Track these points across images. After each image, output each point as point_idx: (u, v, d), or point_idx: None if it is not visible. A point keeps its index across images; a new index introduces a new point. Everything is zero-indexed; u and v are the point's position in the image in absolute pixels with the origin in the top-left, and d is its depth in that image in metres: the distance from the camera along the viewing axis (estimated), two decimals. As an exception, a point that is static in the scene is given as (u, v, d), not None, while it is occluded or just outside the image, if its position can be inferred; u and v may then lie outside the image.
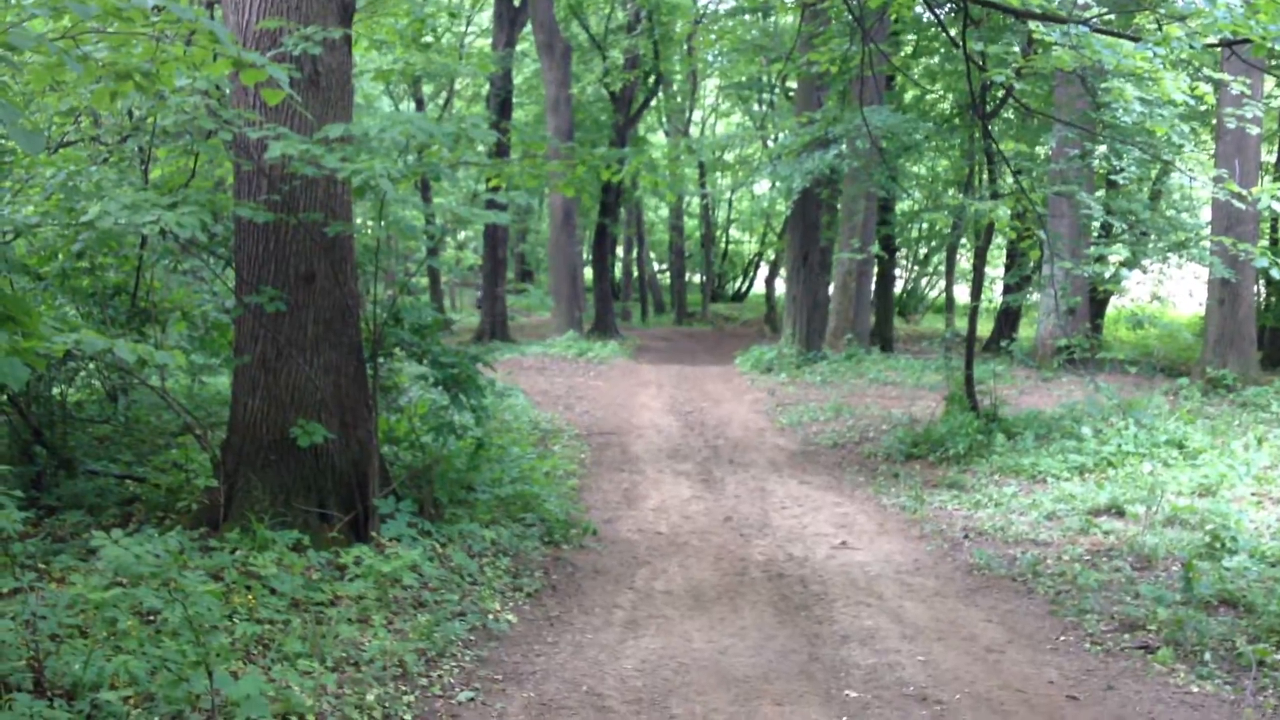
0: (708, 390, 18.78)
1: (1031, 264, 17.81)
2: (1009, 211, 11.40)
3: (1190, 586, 7.02)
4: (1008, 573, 8.10)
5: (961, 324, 25.95)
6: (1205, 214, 22.08)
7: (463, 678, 5.81)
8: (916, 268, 41.85)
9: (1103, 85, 9.87)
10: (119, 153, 8.34)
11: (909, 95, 24.73)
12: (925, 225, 34.13)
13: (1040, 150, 18.34)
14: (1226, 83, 9.30)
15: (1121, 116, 10.15)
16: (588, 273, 33.91)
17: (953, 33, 9.89)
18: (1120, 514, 9.63)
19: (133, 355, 4.58)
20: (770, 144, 35.49)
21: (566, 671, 6.01)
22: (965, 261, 33.55)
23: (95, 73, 4.31)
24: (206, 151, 7.52)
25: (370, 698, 5.31)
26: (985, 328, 27.25)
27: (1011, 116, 20.57)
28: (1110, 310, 26.58)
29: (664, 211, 45.89)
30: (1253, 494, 10.04)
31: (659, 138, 42.75)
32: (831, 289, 22.87)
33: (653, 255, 48.47)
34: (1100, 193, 15.60)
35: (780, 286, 41.38)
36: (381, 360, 8.23)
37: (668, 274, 46.88)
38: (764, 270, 45.72)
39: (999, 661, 6.20)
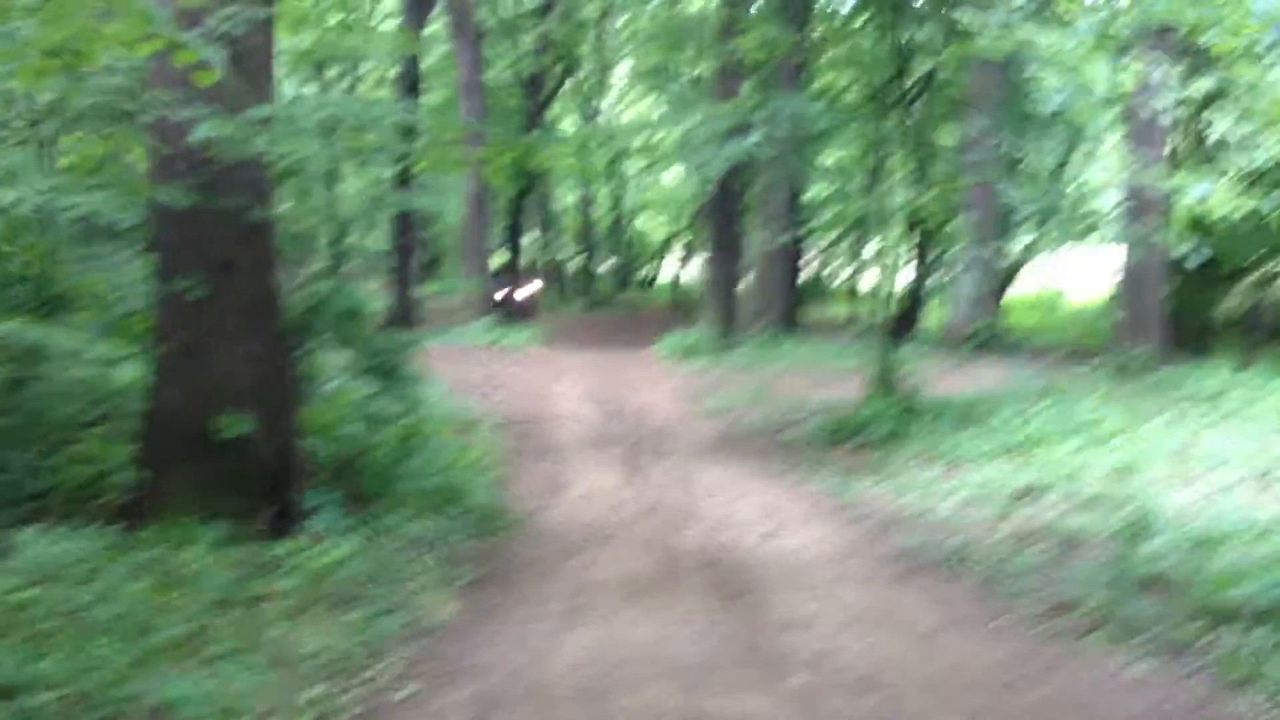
0: (627, 377, 18.73)
1: (944, 250, 18.10)
2: (932, 198, 11.51)
3: (1123, 569, 7.12)
4: (936, 557, 8.15)
5: (867, 310, 26.26)
6: (1105, 200, 22.59)
7: (403, 673, 5.69)
8: (822, 255, 42.19)
9: (1023, 76, 10.00)
10: (34, 136, 8.02)
11: (818, 84, 24.90)
12: (830, 213, 34.41)
13: (949, 140, 18.55)
14: (1147, 71, 9.47)
15: (1041, 105, 10.29)
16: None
17: (876, 21, 9.93)
18: (1040, 496, 9.76)
19: (41, 339, 4.41)
20: (683, 130, 35.41)
21: (508, 664, 5.91)
22: (868, 250, 33.87)
23: (21, 51, 4.12)
24: (123, 135, 7.26)
25: (309, 695, 5.18)
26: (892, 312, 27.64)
27: (919, 106, 20.88)
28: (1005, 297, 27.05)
29: (570, 198, 45.68)
30: (1169, 475, 10.24)
31: (568, 124, 42.52)
32: (750, 275, 22.96)
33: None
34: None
35: (689, 273, 41.60)
36: (304, 349, 8.03)
37: (574, 260, 46.72)
38: (673, 257, 45.80)
39: (938, 646, 6.23)
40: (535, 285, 31.84)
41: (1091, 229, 17.99)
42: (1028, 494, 9.83)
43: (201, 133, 6.42)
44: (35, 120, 7.94)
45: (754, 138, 17.16)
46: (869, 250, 33.90)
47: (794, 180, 22.97)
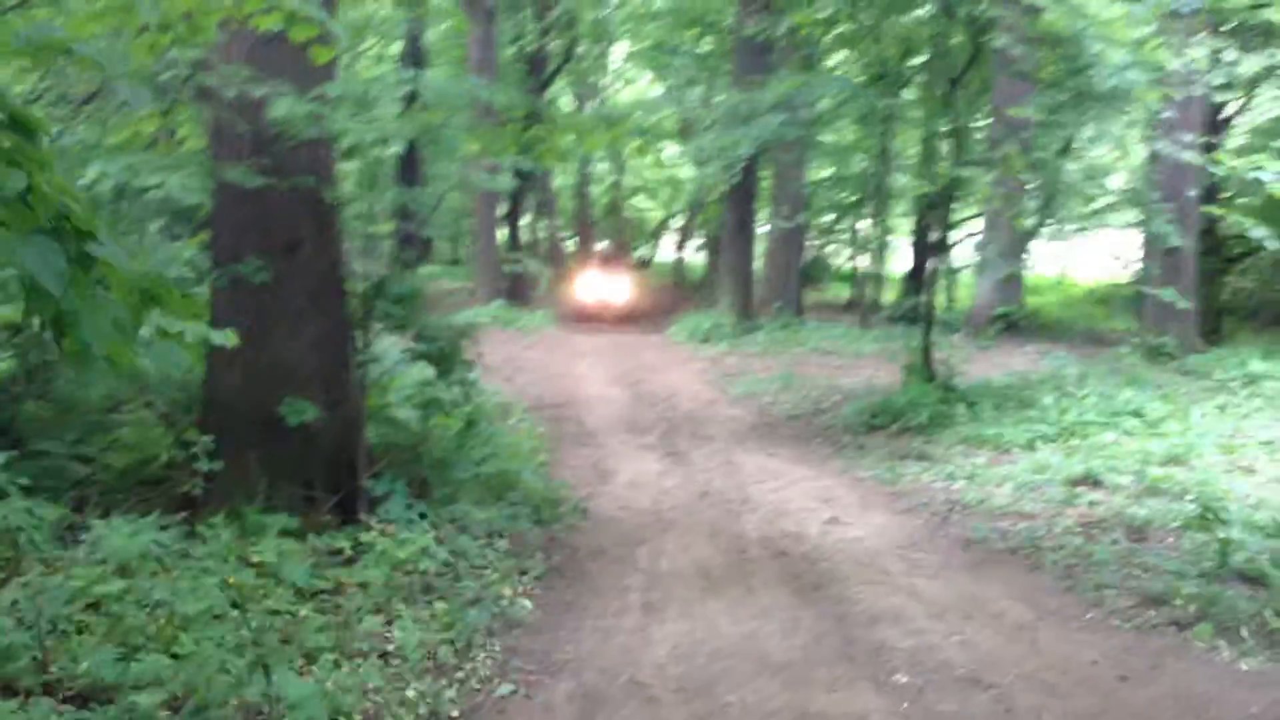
0: (646, 360, 18.57)
1: (949, 231, 17.82)
2: (991, 178, 11.33)
3: (1223, 561, 6.99)
4: (1006, 546, 8.03)
5: (870, 294, 26.14)
6: (1121, 181, 22.44)
7: (497, 669, 5.55)
8: (819, 238, 41.94)
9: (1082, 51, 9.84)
10: (98, 114, 7.81)
11: (830, 62, 24.64)
12: (837, 194, 34.14)
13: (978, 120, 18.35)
14: (1204, 50, 9.32)
15: (1098, 83, 10.12)
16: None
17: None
18: (1097, 484, 9.63)
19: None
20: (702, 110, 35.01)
21: (599, 660, 5.77)
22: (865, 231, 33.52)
23: (134, 23, 3.93)
24: (192, 111, 7.05)
25: (411, 693, 5.03)
26: (891, 295, 27.49)
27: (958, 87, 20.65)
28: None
29: (569, 179, 45.32)
30: (1223, 463, 10.13)
31: (563, 104, 42.14)
32: (761, 258, 22.80)
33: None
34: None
35: (688, 255, 41.39)
36: (367, 334, 7.84)
37: (571, 242, 46.37)
38: (671, 239, 45.54)
39: (1035, 641, 6.10)
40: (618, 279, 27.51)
41: (1110, 211, 17.82)
42: (1085, 481, 9.70)
43: (279, 111, 6.22)
44: (90, 95, 7.71)
45: (780, 117, 16.90)
46: (867, 231, 33.71)
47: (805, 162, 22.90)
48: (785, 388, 15.26)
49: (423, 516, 7.33)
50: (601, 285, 26.16)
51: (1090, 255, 33.45)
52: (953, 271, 13.84)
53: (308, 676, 4.90)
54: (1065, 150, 11.94)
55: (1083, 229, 26.60)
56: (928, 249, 27.14)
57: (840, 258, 41.34)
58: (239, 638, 5.16)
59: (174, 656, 4.88)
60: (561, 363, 18.11)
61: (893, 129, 24.83)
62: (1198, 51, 10.04)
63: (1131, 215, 19.23)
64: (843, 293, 33.15)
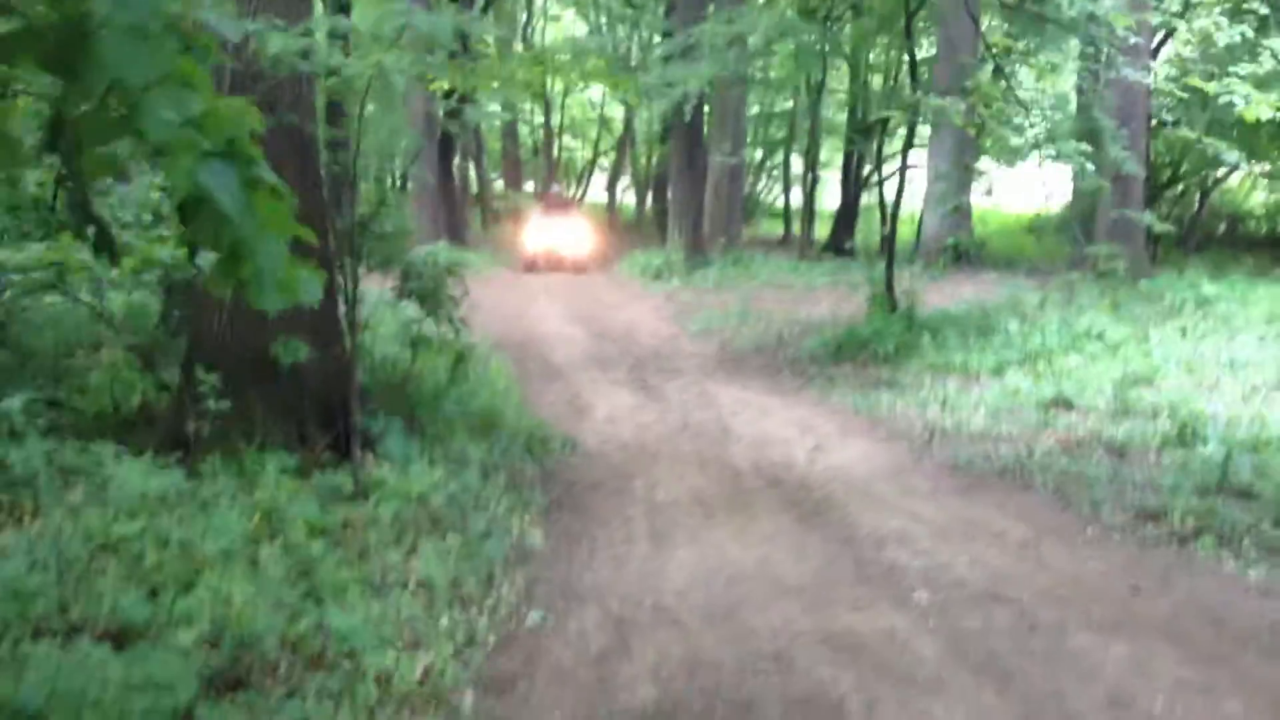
0: (601, 298, 18.53)
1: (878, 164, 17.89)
2: (965, 106, 11.38)
3: (1224, 476, 7.16)
4: (992, 469, 8.16)
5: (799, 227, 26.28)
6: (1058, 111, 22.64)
7: (522, 598, 5.55)
8: (755, 173, 41.93)
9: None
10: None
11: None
12: (762, 130, 34.06)
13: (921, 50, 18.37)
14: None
15: (1067, 9, 10.18)
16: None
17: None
18: (1069, 406, 9.82)
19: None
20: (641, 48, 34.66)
21: (619, 588, 5.79)
22: (797, 167, 33.55)
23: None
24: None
25: (445, 622, 5.02)
26: (823, 230, 27.65)
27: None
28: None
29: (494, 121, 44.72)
30: (1188, 383, 10.36)
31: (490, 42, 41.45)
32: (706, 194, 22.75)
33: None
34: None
35: (620, 193, 41.28)
36: (354, 272, 7.73)
37: (500, 183, 45.92)
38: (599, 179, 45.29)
39: (1040, 558, 6.22)
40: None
41: (1052, 140, 17.95)
42: (1057, 404, 9.88)
43: (273, 47, 6.07)
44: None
45: (729, 52, 16.81)
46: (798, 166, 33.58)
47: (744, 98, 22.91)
48: (744, 321, 15.32)
49: (421, 454, 7.29)
50: (553, 228, 24.59)
51: (1013, 186, 33.91)
52: (896, 204, 13.86)
53: (341, 610, 4.86)
54: (1040, 78, 12.02)
55: (1020, 159, 27.02)
56: (860, 183, 27.39)
57: (771, 194, 41.46)
58: (262, 574, 5.13)
59: (195, 593, 4.82)
60: (516, 302, 18.01)
61: (827, 63, 24.91)
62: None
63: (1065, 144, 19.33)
64: (775, 229, 33.24)
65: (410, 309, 8.30)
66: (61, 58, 2.28)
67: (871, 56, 27.27)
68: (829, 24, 22.53)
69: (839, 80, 29.67)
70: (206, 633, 4.56)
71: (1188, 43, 13.26)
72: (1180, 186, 24.23)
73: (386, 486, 6.34)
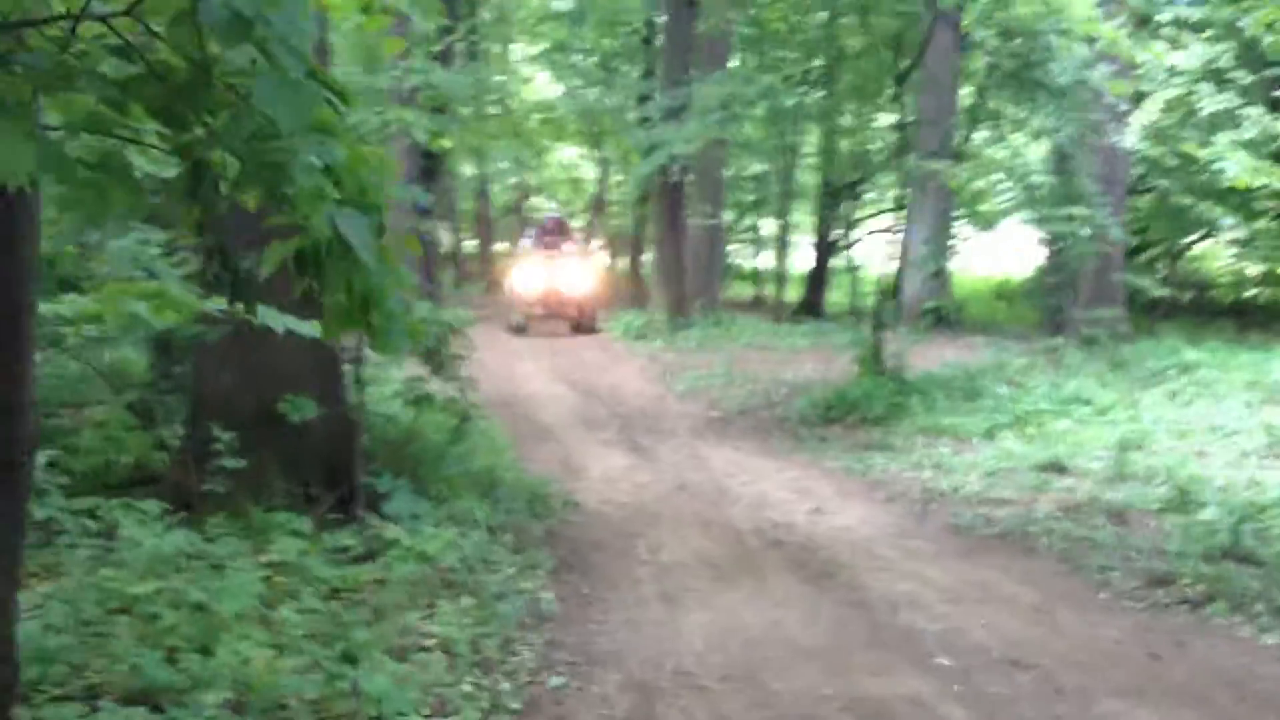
0: (585, 359, 18.49)
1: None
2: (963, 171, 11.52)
3: (1235, 541, 7.19)
4: (994, 532, 8.18)
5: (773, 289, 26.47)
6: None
7: (542, 661, 5.49)
8: (727, 235, 42.01)
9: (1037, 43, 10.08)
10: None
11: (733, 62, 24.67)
12: (734, 193, 34.17)
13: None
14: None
15: (1058, 76, 10.37)
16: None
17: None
18: (1064, 470, 9.87)
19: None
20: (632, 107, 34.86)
21: (637, 651, 5.73)
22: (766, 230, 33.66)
23: None
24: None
25: (468, 687, 4.96)
26: (793, 292, 27.84)
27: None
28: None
29: (468, 179, 44.70)
30: (1180, 448, 10.44)
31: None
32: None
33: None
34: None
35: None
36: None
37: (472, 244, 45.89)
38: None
39: (1055, 623, 6.22)
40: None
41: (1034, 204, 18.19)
42: (1052, 468, 9.93)
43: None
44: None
45: (714, 115, 16.96)
46: (770, 229, 33.69)
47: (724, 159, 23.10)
48: (730, 382, 15.32)
49: (429, 514, 7.23)
50: (554, 268, 20.82)
51: (979, 251, 34.20)
52: (852, 266, 14.04)
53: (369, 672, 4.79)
54: (1033, 140, 12.20)
55: (994, 224, 27.35)
56: (830, 246, 27.58)
57: (742, 256, 41.68)
58: (279, 637, 5.06)
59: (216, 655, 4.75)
60: (500, 360, 17.84)
61: (799, 127, 25.20)
62: (1156, 46, 10.36)
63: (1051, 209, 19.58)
64: (744, 291, 33.38)
65: (412, 367, 8.27)
66: (185, 101, 2.29)
67: (845, 121, 27.61)
68: (806, 89, 22.93)
69: (811, 144, 29.98)
70: (230, 698, 4.49)
71: (1169, 109, 13.53)
72: (1150, 253, 24.55)
73: (399, 547, 6.28)
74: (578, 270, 21.27)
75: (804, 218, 33.44)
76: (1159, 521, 8.19)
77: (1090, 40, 10.46)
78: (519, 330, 20.71)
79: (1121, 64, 12.66)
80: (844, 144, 28.72)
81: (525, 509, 8.19)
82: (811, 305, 25.18)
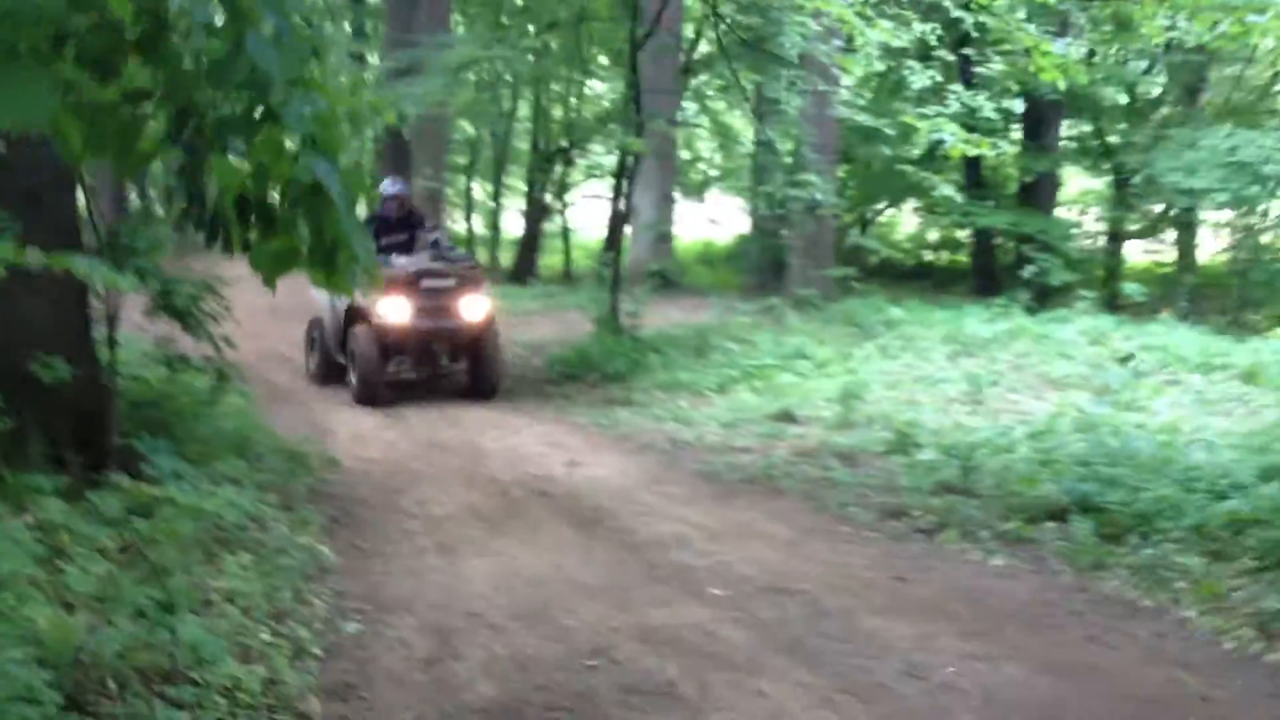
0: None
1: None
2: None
3: (966, 475, 7.89)
4: (741, 477, 8.69)
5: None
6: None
7: (334, 611, 5.55)
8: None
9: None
10: None
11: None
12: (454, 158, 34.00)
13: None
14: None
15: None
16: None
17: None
18: (793, 419, 10.54)
19: None
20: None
21: (425, 597, 5.86)
22: (479, 192, 33.75)
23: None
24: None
25: (266, 636, 4.98)
26: (506, 257, 28.22)
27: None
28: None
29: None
30: (894, 397, 11.32)
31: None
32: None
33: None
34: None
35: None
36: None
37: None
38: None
39: (809, 555, 6.71)
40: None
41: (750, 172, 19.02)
42: (783, 418, 10.57)
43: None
44: None
45: (442, 77, 16.81)
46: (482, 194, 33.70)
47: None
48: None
49: (189, 473, 7.07)
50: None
51: (684, 218, 35.25)
52: (619, 231, 14.48)
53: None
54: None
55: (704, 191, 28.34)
56: (542, 211, 27.93)
57: (454, 220, 41.42)
58: (61, 595, 4.94)
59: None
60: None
61: (517, 91, 25.36)
62: (884, 23, 11.11)
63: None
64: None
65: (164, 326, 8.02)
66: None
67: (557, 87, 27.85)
68: (526, 54, 23.02)
69: (525, 109, 30.07)
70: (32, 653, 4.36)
71: (869, 82, 14.47)
72: (847, 218, 26.08)
73: (172, 505, 6.14)
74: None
75: (517, 182, 33.63)
76: (884, 462, 8.90)
77: (817, 15, 11.12)
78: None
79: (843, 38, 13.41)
80: (556, 110, 29.11)
81: (285, 468, 8.10)
82: (525, 269, 25.40)
